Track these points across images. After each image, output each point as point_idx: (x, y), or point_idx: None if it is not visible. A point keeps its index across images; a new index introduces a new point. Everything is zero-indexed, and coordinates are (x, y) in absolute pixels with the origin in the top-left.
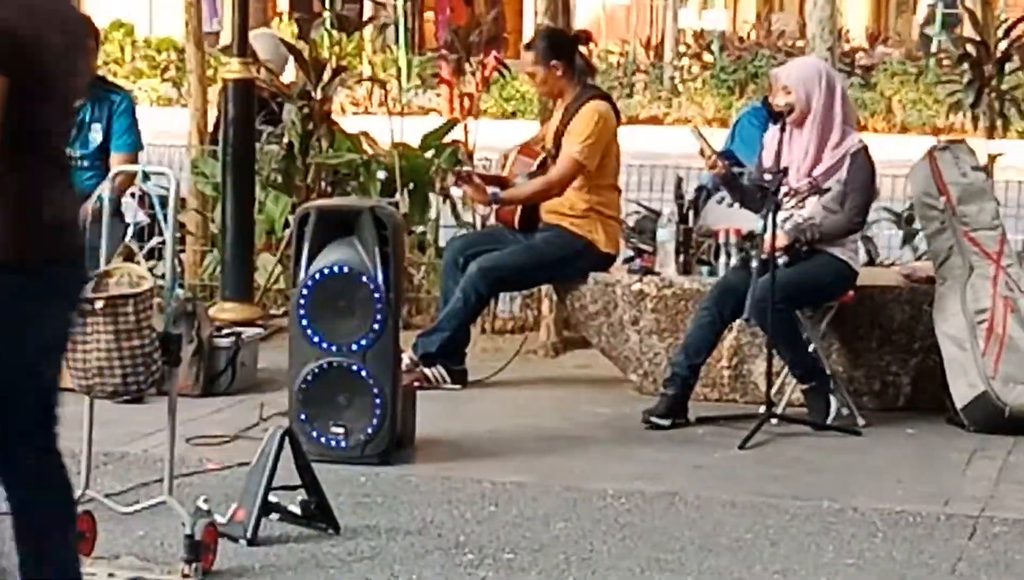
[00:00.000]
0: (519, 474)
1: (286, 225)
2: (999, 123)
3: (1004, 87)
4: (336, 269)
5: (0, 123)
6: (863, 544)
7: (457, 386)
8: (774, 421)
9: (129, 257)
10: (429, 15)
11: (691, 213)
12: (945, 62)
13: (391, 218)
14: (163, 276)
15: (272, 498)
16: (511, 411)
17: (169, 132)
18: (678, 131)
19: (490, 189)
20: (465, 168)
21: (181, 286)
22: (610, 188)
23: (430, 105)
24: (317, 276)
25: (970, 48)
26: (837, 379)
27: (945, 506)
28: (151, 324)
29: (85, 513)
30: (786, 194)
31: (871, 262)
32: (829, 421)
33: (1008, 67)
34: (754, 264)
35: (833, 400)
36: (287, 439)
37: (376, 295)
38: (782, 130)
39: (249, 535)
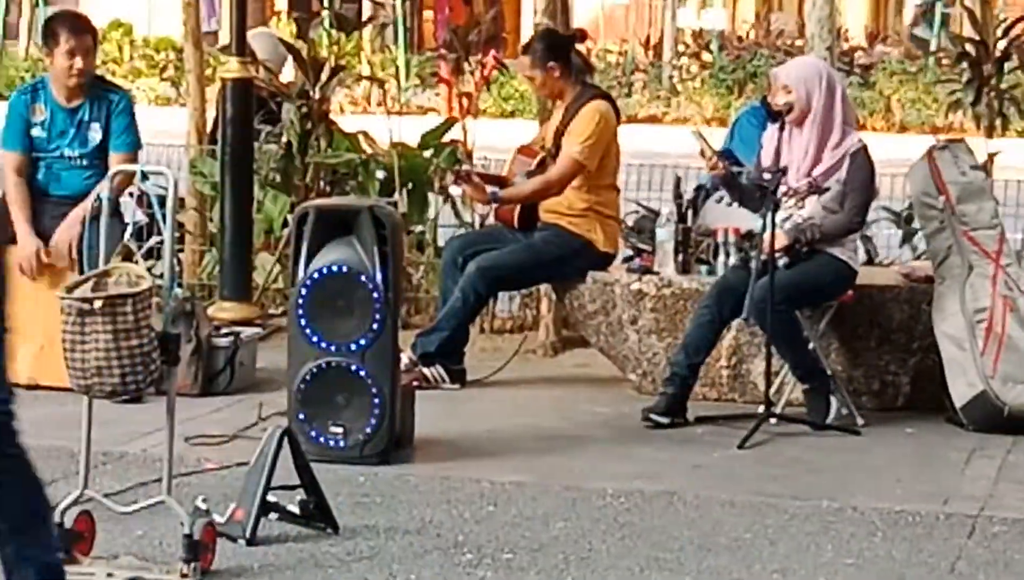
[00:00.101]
0: (518, 474)
1: (285, 224)
2: (998, 122)
3: (1003, 86)
4: (335, 269)
5: None
6: (862, 543)
7: (456, 386)
8: (773, 421)
9: (128, 257)
10: (428, 14)
11: (690, 212)
12: (944, 61)
13: (390, 217)
14: (162, 275)
15: (271, 498)
16: (510, 411)
17: (168, 131)
18: (677, 130)
19: (489, 188)
20: (464, 167)
21: (180, 286)
22: (609, 188)
23: (429, 104)
24: (316, 275)
25: (969, 47)
26: (836, 379)
27: (944, 505)
28: (150, 324)
29: (84, 513)
30: (785, 194)
31: (870, 261)
32: (828, 421)
33: (1007, 66)
34: (753, 264)
35: (832, 400)
36: (286, 439)
37: (375, 295)
38: (781, 129)
39: (248, 535)
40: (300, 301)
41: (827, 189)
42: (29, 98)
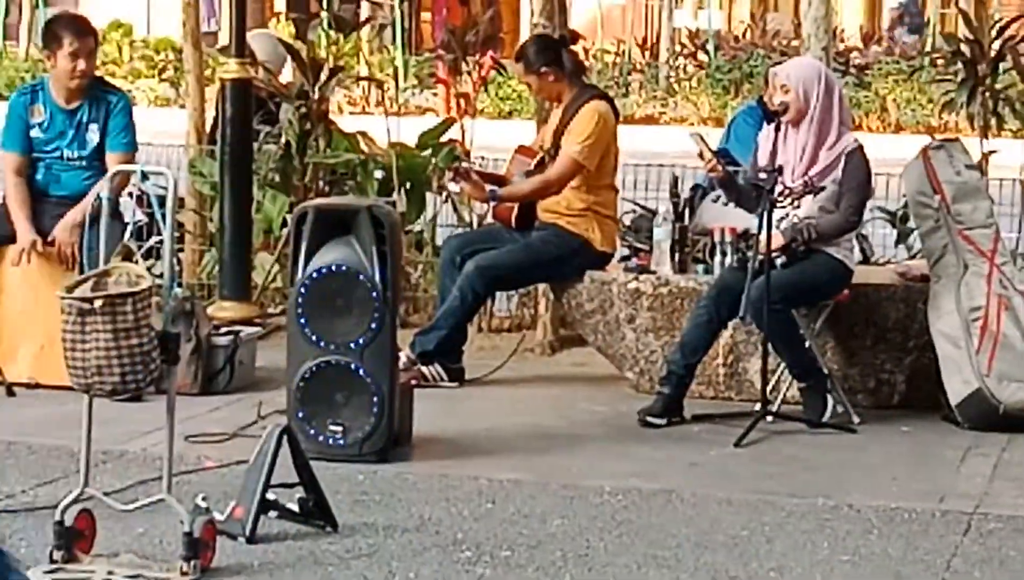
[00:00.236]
0: (516, 472)
1: (284, 224)
2: (993, 122)
3: (998, 86)
4: (334, 268)
5: None
6: (858, 541)
7: (454, 384)
8: (769, 419)
9: (128, 256)
10: (426, 15)
11: (687, 212)
12: (939, 62)
13: (388, 217)
14: (161, 275)
15: (270, 496)
16: (508, 409)
17: (167, 132)
18: (674, 130)
19: (488, 187)
20: (463, 164)
21: (179, 285)
22: (607, 188)
23: (427, 105)
24: (315, 275)
25: (964, 48)
26: (832, 377)
27: (940, 503)
28: (150, 323)
29: (84, 511)
30: (781, 194)
31: (866, 261)
32: (824, 419)
33: (1002, 66)
34: (750, 264)
35: (829, 398)
36: (285, 437)
37: (373, 294)
38: (777, 129)
39: (248, 533)
40: (299, 300)
41: (823, 189)
42: (28, 99)
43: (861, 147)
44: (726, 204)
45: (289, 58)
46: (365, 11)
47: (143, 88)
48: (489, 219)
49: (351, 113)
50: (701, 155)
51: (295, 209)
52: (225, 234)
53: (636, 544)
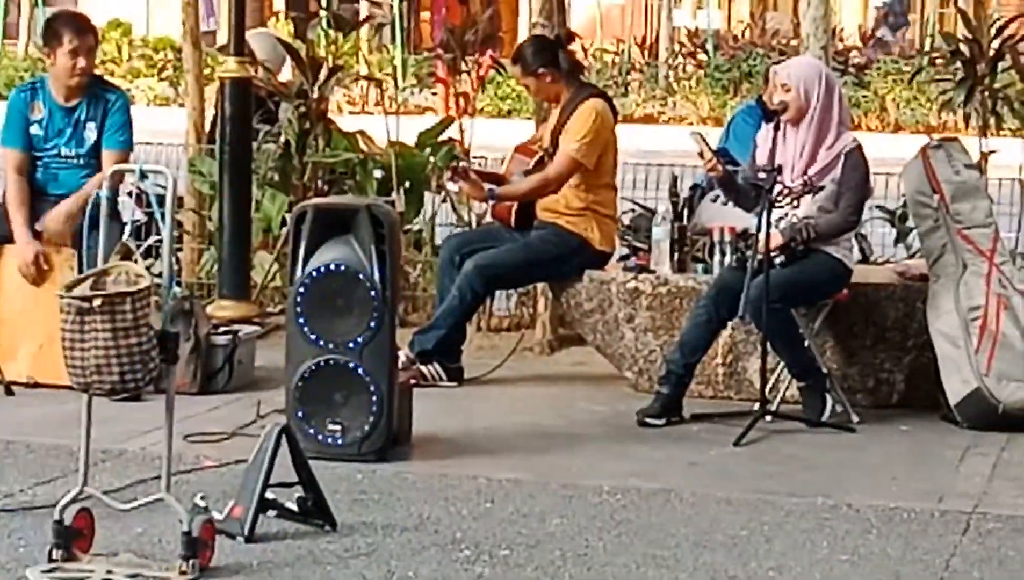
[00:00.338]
0: (515, 471)
1: (283, 223)
2: (992, 121)
3: (996, 85)
4: (333, 267)
5: None
6: (857, 540)
7: (453, 383)
8: (769, 418)
9: (127, 255)
10: (425, 15)
11: (686, 211)
12: (938, 61)
13: (387, 216)
14: (160, 274)
15: (269, 495)
16: (507, 408)
17: (166, 131)
18: (673, 130)
19: (486, 186)
20: (462, 163)
21: (178, 284)
22: (606, 187)
23: (426, 104)
24: (314, 274)
25: (963, 47)
26: (831, 376)
27: (939, 503)
28: (149, 322)
29: (83, 510)
30: (780, 193)
31: (865, 260)
32: (824, 418)
33: (1000, 66)
34: (749, 263)
35: (828, 397)
36: (284, 436)
37: (372, 293)
38: (776, 129)
39: (246, 532)
40: (298, 299)
41: (822, 188)
42: (28, 96)
43: (860, 146)
44: (725, 204)
45: (288, 57)
46: (364, 10)
47: (142, 87)
48: (488, 218)
49: (350, 112)
50: (701, 154)
51: (294, 208)
52: (224, 233)
53: (635, 543)
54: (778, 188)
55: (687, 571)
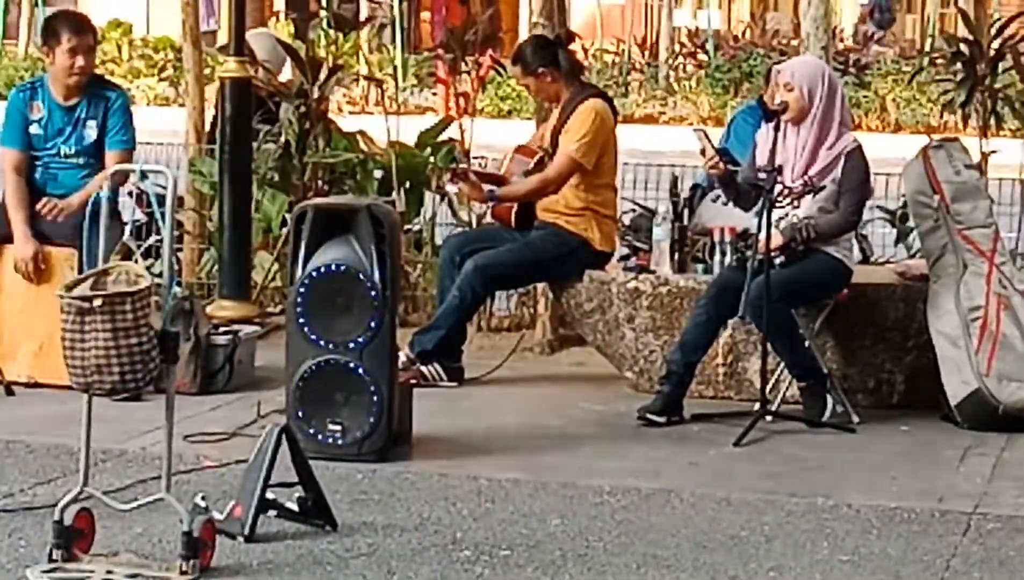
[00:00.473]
0: (515, 471)
1: (283, 223)
2: (992, 121)
3: (997, 85)
4: (333, 267)
5: None
6: (858, 541)
7: (453, 384)
8: (769, 418)
9: (127, 255)
10: (425, 15)
11: (686, 211)
12: (939, 61)
13: (388, 216)
14: (160, 274)
15: (269, 495)
16: (507, 409)
17: (166, 131)
18: (673, 130)
19: (486, 186)
20: (461, 165)
21: (179, 284)
22: (607, 187)
23: (426, 104)
24: (314, 274)
25: (963, 47)
26: (832, 377)
27: (939, 503)
28: (149, 322)
29: (84, 510)
30: (780, 193)
31: (865, 260)
32: (824, 419)
33: (1001, 66)
34: (750, 263)
35: (828, 398)
36: (284, 436)
37: (373, 293)
38: (776, 128)
39: (247, 532)
40: (298, 299)
41: (822, 188)
42: (28, 95)
43: (860, 147)
44: (725, 204)
45: (288, 57)
46: (365, 10)
47: (142, 87)
48: (488, 219)
49: (350, 112)
50: (703, 152)
51: (294, 208)
52: (224, 233)
53: (635, 544)
54: (778, 188)
55: (687, 571)
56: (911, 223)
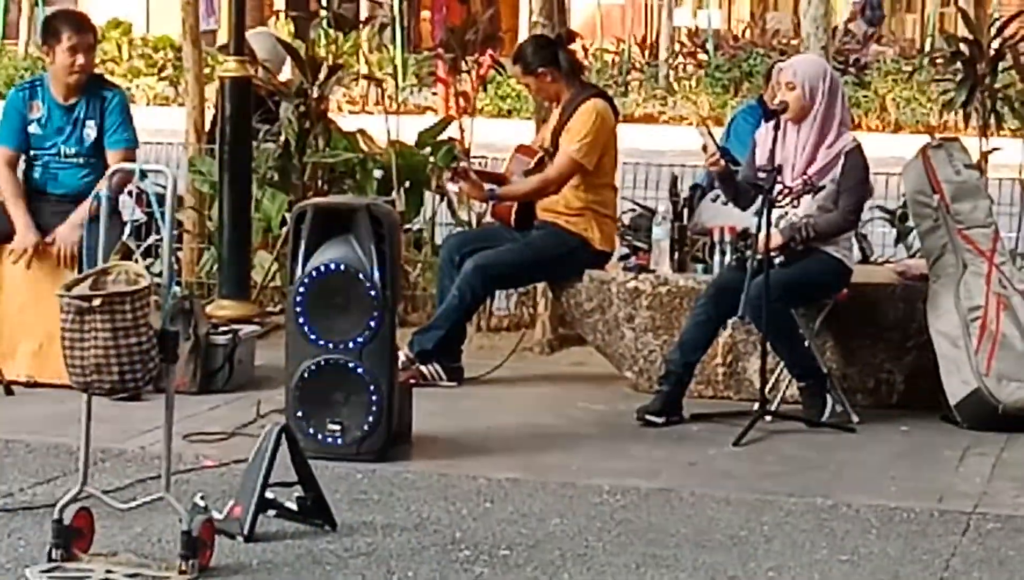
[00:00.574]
0: (515, 471)
1: (283, 223)
2: (992, 121)
3: (997, 85)
4: (333, 266)
5: None
6: (857, 541)
7: (453, 383)
8: (768, 418)
9: (127, 255)
10: (425, 14)
11: (686, 211)
12: (939, 61)
13: (387, 216)
14: (160, 274)
15: (269, 495)
16: (507, 408)
17: (166, 130)
18: (673, 129)
19: (487, 186)
20: (462, 164)
21: (178, 284)
22: (607, 187)
23: (426, 104)
24: (314, 273)
25: (963, 47)
26: (831, 376)
27: (938, 503)
28: (148, 321)
29: (83, 510)
30: (780, 192)
31: (865, 260)
32: (823, 418)
33: (1001, 65)
34: (749, 263)
35: (828, 397)
36: (284, 436)
37: (372, 292)
38: (776, 128)
39: (246, 531)
40: (298, 299)
41: (822, 188)
42: (27, 94)
43: (860, 146)
44: (725, 203)
45: (288, 57)
46: (365, 10)
47: (142, 86)
48: (488, 218)
49: (350, 112)
50: (704, 148)
51: (294, 208)
52: (224, 233)
53: (635, 543)
54: (778, 187)
55: (687, 571)
56: (911, 223)
